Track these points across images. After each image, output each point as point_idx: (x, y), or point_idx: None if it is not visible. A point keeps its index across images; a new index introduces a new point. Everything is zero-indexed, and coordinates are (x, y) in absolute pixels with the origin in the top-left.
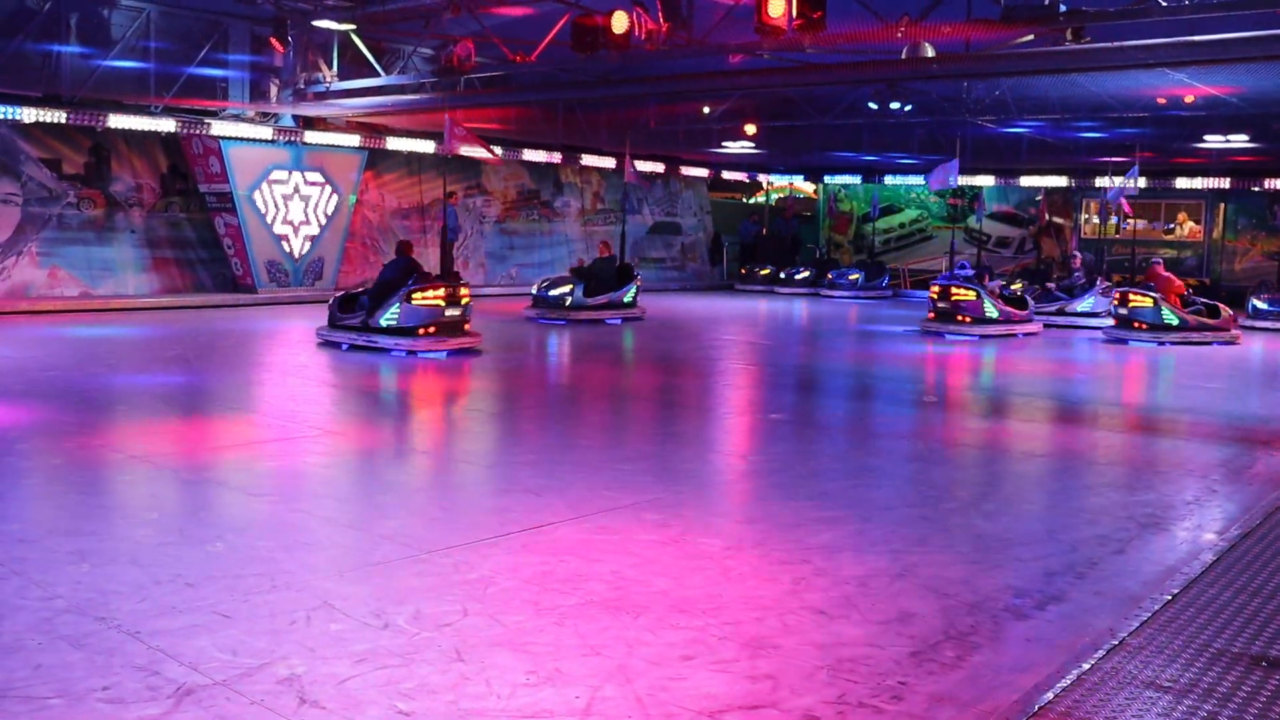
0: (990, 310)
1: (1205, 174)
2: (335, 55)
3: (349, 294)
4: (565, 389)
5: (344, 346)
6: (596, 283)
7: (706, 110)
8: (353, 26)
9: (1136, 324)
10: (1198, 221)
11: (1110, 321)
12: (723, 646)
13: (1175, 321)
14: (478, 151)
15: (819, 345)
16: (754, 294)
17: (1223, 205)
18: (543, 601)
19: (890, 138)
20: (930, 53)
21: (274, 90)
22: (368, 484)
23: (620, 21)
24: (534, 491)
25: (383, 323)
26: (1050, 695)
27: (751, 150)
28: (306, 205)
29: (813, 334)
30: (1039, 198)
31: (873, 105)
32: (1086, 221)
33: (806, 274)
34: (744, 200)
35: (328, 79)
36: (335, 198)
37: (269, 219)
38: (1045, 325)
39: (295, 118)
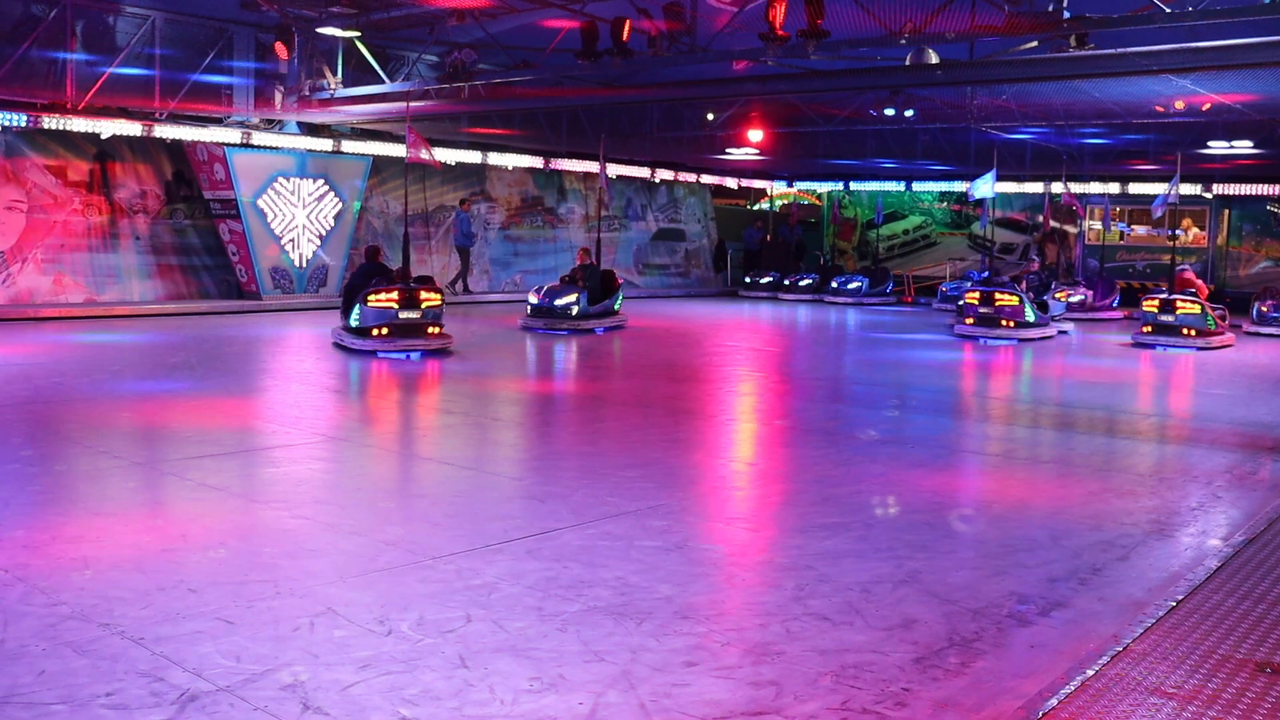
0: (1029, 314)
1: (1210, 180)
2: (340, 62)
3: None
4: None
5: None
6: (589, 291)
7: (710, 117)
8: (357, 33)
9: (1186, 330)
10: (1202, 228)
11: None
12: (726, 653)
13: (1213, 327)
14: (423, 154)
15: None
16: (758, 300)
17: (1227, 211)
18: (546, 608)
19: (895, 144)
20: (934, 59)
21: (279, 97)
22: (371, 489)
23: (624, 29)
24: (537, 498)
25: (352, 323)
26: (1054, 702)
27: (756, 157)
28: (311, 212)
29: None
30: (1060, 198)
31: (888, 112)
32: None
33: (810, 280)
34: (748, 206)
35: (332, 86)
36: (340, 204)
37: (273, 225)
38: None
39: (300, 124)
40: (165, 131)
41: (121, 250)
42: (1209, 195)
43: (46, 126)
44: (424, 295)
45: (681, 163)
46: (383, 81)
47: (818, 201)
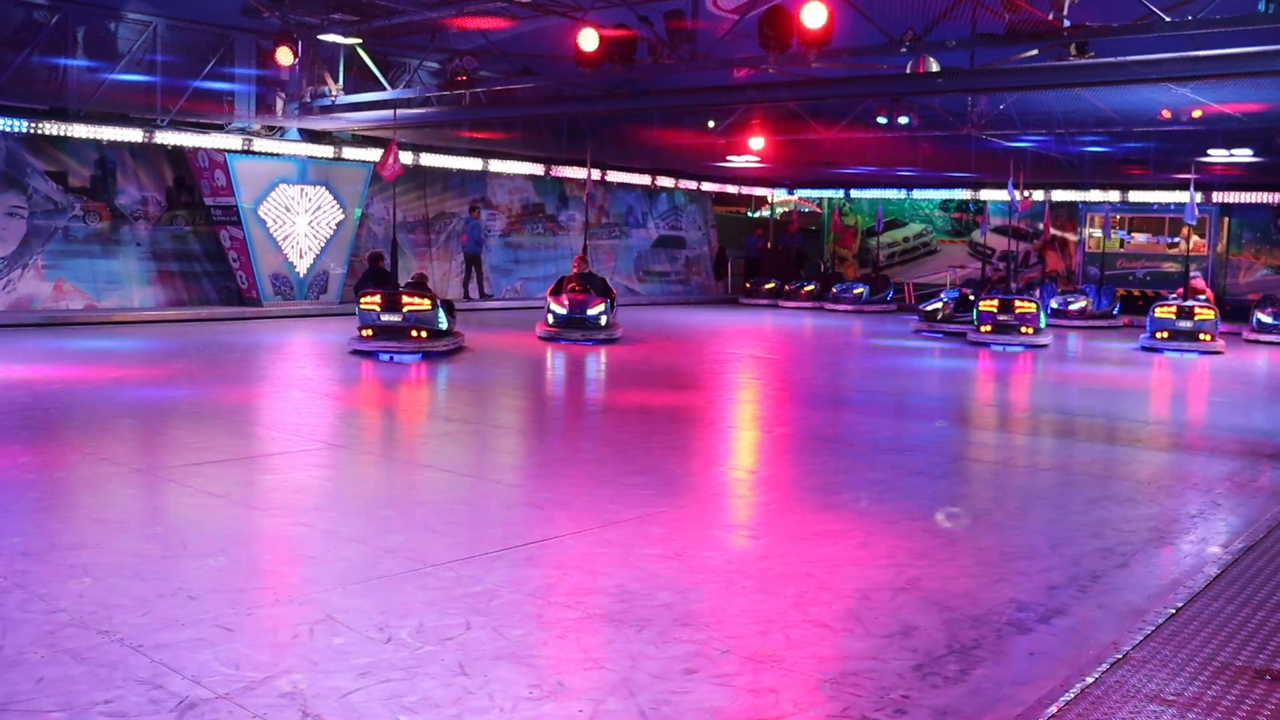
0: (1042, 320)
1: (1210, 188)
2: (341, 69)
3: None
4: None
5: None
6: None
7: (711, 124)
8: (358, 40)
9: (1203, 335)
10: (1202, 235)
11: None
12: (726, 660)
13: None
14: (389, 161)
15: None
16: (758, 308)
17: (1227, 219)
18: (546, 615)
19: (895, 152)
20: (935, 67)
21: (280, 104)
22: (371, 496)
23: (627, 36)
24: (536, 505)
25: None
26: (1054, 709)
27: (756, 164)
28: (312, 219)
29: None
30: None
31: (897, 119)
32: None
33: (811, 288)
34: (748, 214)
35: (333, 92)
36: (341, 211)
37: (274, 232)
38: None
39: (301, 131)
40: (166, 138)
41: (122, 256)
42: (1210, 203)
43: (48, 132)
44: (405, 300)
45: (682, 170)
46: (384, 89)
47: (818, 209)
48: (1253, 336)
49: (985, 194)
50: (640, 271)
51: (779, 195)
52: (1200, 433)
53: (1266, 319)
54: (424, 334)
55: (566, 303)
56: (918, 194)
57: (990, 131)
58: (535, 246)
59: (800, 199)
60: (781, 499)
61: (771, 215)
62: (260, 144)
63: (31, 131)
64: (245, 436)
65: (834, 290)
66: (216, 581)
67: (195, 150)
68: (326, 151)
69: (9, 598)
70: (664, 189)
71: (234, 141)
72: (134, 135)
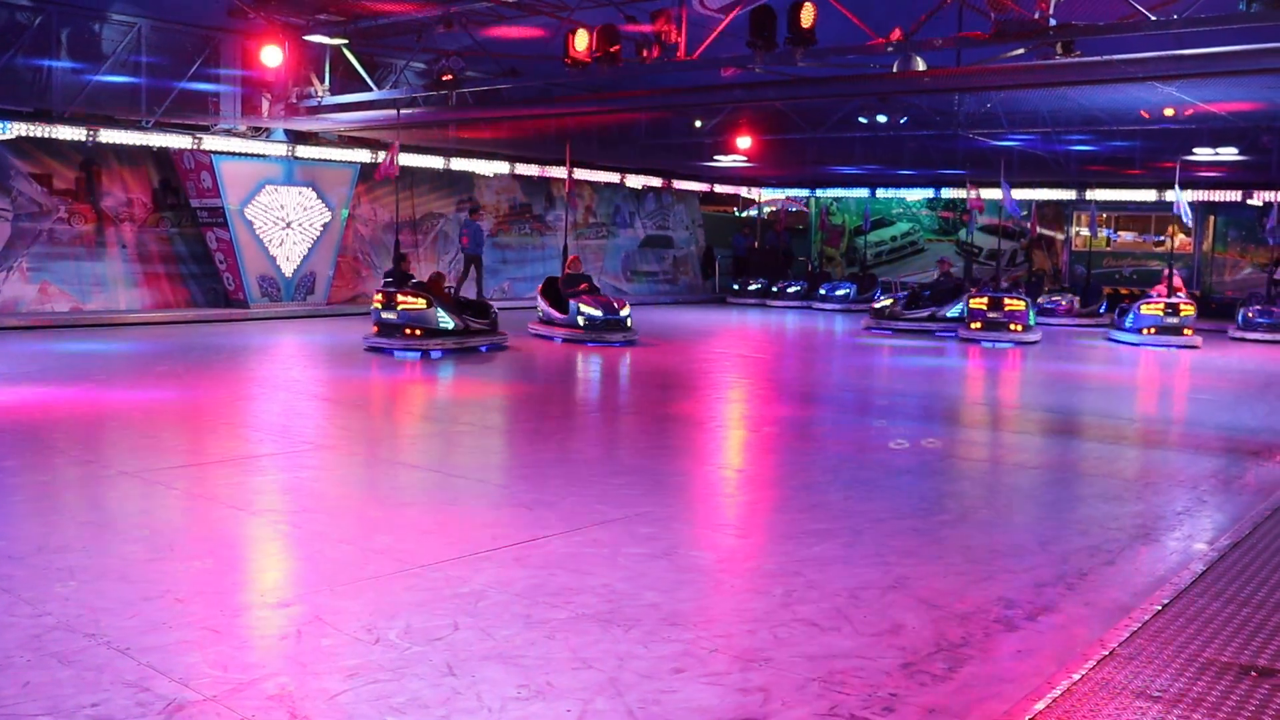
0: (1030, 318)
1: (1195, 186)
2: (327, 70)
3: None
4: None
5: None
6: (560, 302)
7: (699, 124)
8: (345, 41)
9: (1186, 330)
10: (1188, 234)
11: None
12: (714, 659)
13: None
14: (388, 162)
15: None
16: (746, 307)
17: (1213, 218)
18: (534, 615)
19: (882, 151)
20: (922, 66)
21: (266, 105)
22: (358, 498)
23: (613, 36)
24: (525, 505)
25: None
26: (1041, 705)
27: (744, 164)
28: (298, 220)
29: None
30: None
31: (875, 118)
32: (1077, 234)
33: (798, 287)
34: (736, 213)
35: (319, 93)
36: (327, 212)
37: (261, 234)
38: (918, 331)
39: (287, 132)
40: (152, 139)
41: (108, 259)
42: (1196, 202)
43: (32, 134)
44: (400, 299)
45: (669, 169)
46: (370, 89)
47: (805, 208)
48: (1238, 334)
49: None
50: (628, 271)
51: (766, 194)
52: (1185, 430)
53: (1252, 317)
54: (418, 332)
55: (594, 304)
56: (904, 193)
57: (977, 131)
58: (523, 247)
59: (787, 198)
60: (769, 498)
61: (759, 215)
62: (246, 145)
63: (16, 133)
64: (232, 438)
65: (821, 290)
66: (204, 584)
67: (181, 152)
68: (313, 152)
69: None
70: (651, 189)
71: (220, 143)
72: (119, 137)
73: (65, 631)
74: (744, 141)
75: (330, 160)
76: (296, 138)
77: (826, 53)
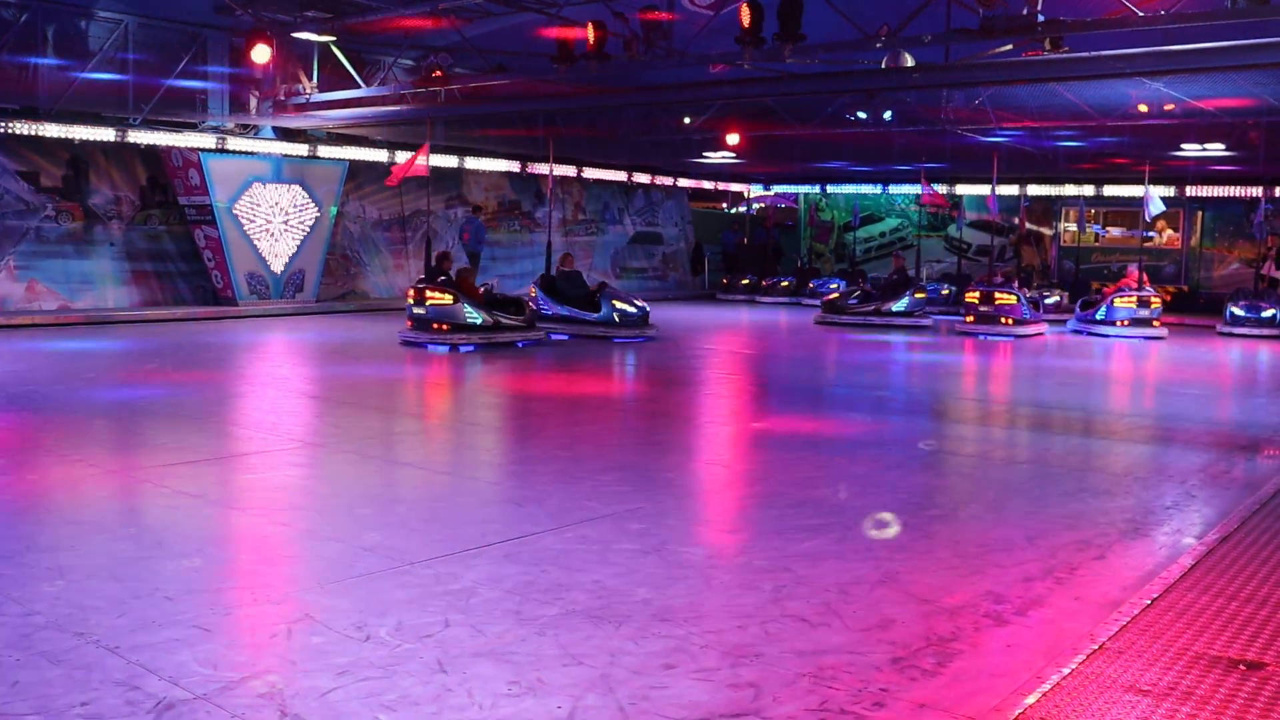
0: (1025, 312)
1: (1183, 182)
2: (315, 67)
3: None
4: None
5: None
6: (577, 299)
7: (687, 120)
8: (333, 38)
9: (1156, 323)
10: (1176, 229)
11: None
12: (705, 655)
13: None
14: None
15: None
16: (736, 303)
17: (1200, 213)
18: (524, 612)
19: (871, 147)
20: (910, 62)
21: (254, 102)
22: (348, 495)
23: (600, 32)
24: (515, 502)
25: None
26: (1031, 699)
27: (733, 160)
28: (287, 217)
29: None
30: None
31: (862, 115)
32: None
33: (788, 283)
34: (725, 210)
35: (307, 91)
36: (316, 209)
37: (249, 231)
38: (862, 324)
39: (276, 129)
40: (139, 137)
41: (96, 257)
42: (1183, 197)
43: (18, 132)
44: (429, 294)
45: (659, 166)
46: (358, 86)
47: (795, 205)
48: (1226, 329)
49: (960, 189)
50: (617, 268)
51: (755, 191)
52: (1174, 424)
53: (1239, 312)
54: (445, 326)
55: (626, 301)
56: (893, 189)
57: (966, 126)
58: (512, 244)
59: (777, 194)
60: (759, 494)
61: (748, 211)
62: (234, 143)
63: (2, 130)
64: (221, 436)
65: (811, 285)
66: (193, 582)
67: (169, 149)
68: (301, 150)
69: None
70: (640, 185)
71: (208, 140)
72: (106, 134)
73: (54, 630)
74: (733, 138)
75: (319, 158)
76: (285, 135)
77: (815, 49)
